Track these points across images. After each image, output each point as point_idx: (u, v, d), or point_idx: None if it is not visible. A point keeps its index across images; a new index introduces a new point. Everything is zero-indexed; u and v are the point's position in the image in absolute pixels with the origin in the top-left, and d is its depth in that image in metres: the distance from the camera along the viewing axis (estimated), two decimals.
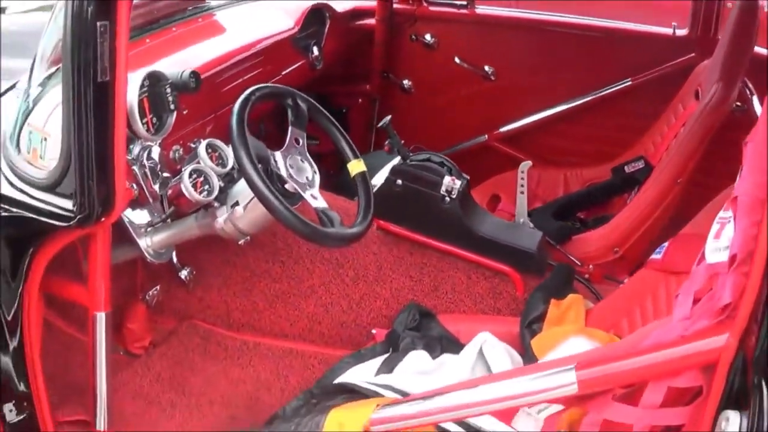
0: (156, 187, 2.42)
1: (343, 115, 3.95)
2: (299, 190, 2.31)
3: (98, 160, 1.89)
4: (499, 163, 3.51)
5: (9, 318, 2.13)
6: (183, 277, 2.89)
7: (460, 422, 2.07)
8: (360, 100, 3.95)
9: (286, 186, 2.30)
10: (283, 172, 2.30)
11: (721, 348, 1.52)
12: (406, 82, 3.86)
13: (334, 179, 3.00)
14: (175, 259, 2.76)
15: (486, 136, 3.76)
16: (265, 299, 3.00)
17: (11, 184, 2.07)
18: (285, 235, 2.95)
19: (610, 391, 1.74)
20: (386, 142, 2.91)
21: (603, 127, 3.53)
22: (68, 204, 1.95)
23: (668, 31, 3.34)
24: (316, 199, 2.33)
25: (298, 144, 2.40)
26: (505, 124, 3.72)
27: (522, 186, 2.93)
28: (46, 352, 2.26)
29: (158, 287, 2.91)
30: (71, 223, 1.96)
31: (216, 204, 2.43)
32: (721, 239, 1.66)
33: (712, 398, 1.54)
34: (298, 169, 2.35)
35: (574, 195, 3.42)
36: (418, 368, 2.39)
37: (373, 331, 2.73)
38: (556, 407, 1.87)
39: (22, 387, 2.23)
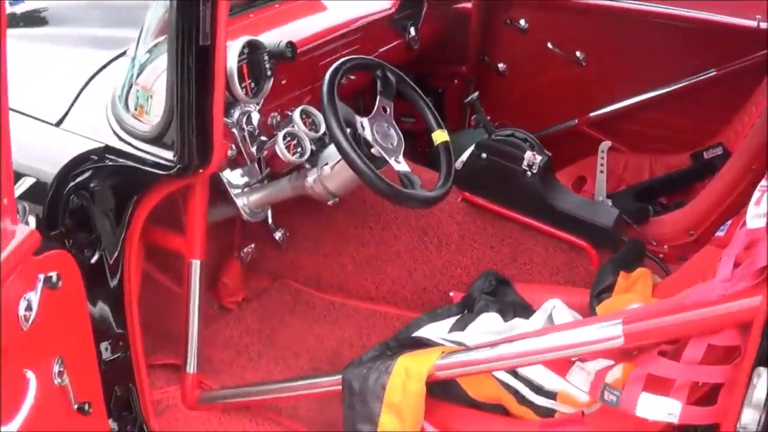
0: (253, 149, 2.60)
1: (439, 95, 4.07)
2: (384, 154, 2.46)
3: (198, 116, 2.09)
4: (587, 147, 3.58)
5: (111, 262, 2.31)
6: (277, 238, 3.05)
7: (515, 374, 2.22)
8: (456, 81, 4.06)
9: (372, 150, 2.45)
10: (369, 137, 2.45)
11: (756, 308, 1.63)
12: (501, 65, 3.96)
13: (427, 156, 3.13)
14: (270, 221, 2.94)
15: (576, 120, 3.82)
16: (353, 263, 3.17)
17: (119, 137, 2.26)
18: (374, 202, 3.11)
19: (656, 347, 1.86)
20: (472, 117, 3.06)
21: (688, 115, 3.57)
22: (169, 155, 2.15)
23: (752, 23, 3.38)
24: (399, 163, 2.47)
25: (385, 112, 2.55)
26: (595, 110, 3.79)
27: (602, 165, 3.04)
28: (142, 300, 2.44)
29: (253, 245, 3.09)
30: (171, 172, 2.15)
31: (307, 166, 2.60)
32: (761, 206, 1.77)
33: (748, 356, 1.63)
34: (384, 135, 2.50)
35: (656, 180, 3.49)
36: (489, 328, 2.53)
37: (451, 294, 2.88)
38: (607, 362, 1.99)
39: (118, 329, 2.41)
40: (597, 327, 1.89)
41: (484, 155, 2.97)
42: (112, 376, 2.36)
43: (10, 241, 1.65)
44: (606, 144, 3.07)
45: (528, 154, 2.90)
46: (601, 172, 3.03)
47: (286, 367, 2.85)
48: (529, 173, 2.90)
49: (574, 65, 3.75)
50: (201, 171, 2.21)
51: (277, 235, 3.05)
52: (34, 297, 1.69)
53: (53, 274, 1.77)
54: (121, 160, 2.24)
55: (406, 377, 2.14)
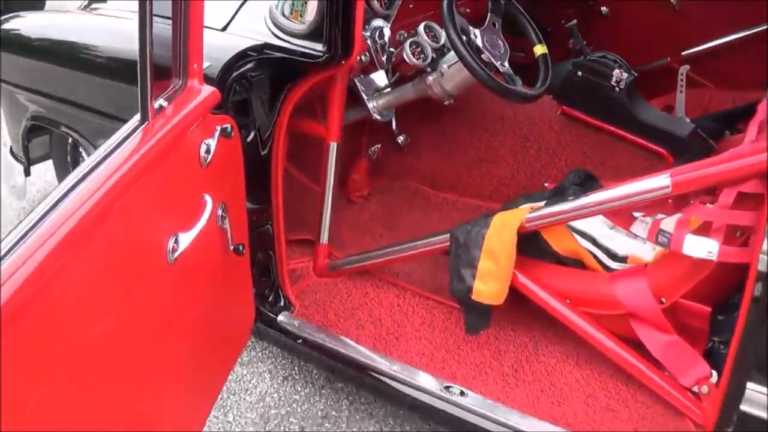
0: (383, 58, 3.13)
1: (547, 34, 4.47)
2: (492, 59, 2.95)
3: (344, 16, 2.64)
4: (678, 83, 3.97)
5: (262, 139, 2.79)
6: (400, 142, 3.58)
7: (594, 242, 2.72)
8: (563, 21, 4.46)
9: (482, 56, 2.96)
10: (480, 45, 2.95)
11: None
12: (604, 8, 4.33)
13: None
14: (394, 127, 3.48)
15: (668, 58, 4.20)
16: (465, 165, 3.67)
17: (276, 36, 2.80)
18: (485, 112, 3.62)
19: (698, 198, 2.34)
20: (570, 41, 3.55)
21: None
22: (319, 47, 2.69)
23: None
24: (504, 66, 2.98)
25: (495, 27, 3.04)
26: (686, 49, 4.16)
27: (681, 85, 3.48)
28: (283, 191, 2.93)
29: (379, 145, 3.61)
30: (321, 60, 2.69)
31: (428, 70, 3.12)
32: None
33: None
34: (492, 44, 2.99)
35: (737, 108, 3.84)
36: None
37: (546, 184, 3.36)
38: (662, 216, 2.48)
39: (264, 202, 2.89)
40: (651, 179, 2.37)
41: (579, 73, 3.47)
42: (255, 243, 2.76)
43: (197, 96, 2.20)
44: (685, 67, 3.50)
45: (616, 72, 3.37)
46: (681, 91, 3.47)
47: None
48: (617, 89, 3.38)
49: (669, 9, 4.09)
50: (343, 62, 2.75)
51: (400, 139, 3.58)
52: (212, 142, 2.22)
53: (228, 126, 2.30)
54: (278, 53, 2.76)
55: (502, 228, 2.66)
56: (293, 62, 2.74)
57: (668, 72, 4.06)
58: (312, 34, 2.71)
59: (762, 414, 2.08)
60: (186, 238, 2.06)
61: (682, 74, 3.47)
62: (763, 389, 2.06)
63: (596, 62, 3.44)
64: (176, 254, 2.02)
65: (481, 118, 3.66)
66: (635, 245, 2.74)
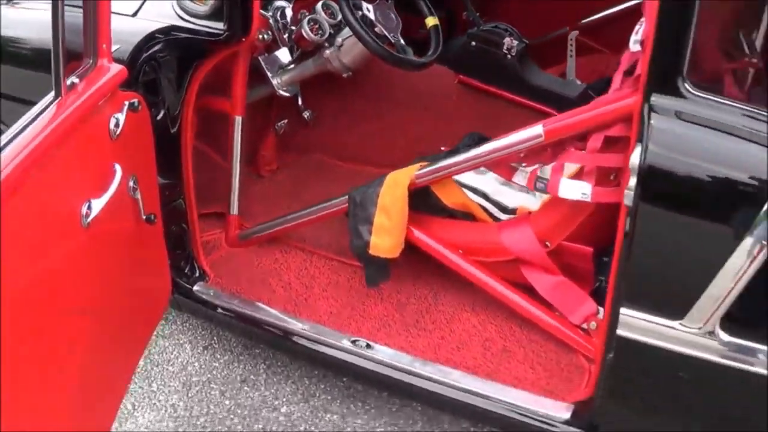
0: (285, 36, 3.26)
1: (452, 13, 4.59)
2: (385, 32, 3.09)
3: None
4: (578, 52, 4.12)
5: (171, 117, 2.91)
6: (306, 117, 3.74)
7: (486, 197, 2.88)
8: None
9: (375, 29, 3.08)
10: (373, 18, 3.08)
11: (634, 104, 2.20)
12: None
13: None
14: (300, 102, 3.63)
15: (567, 28, 4.30)
16: (368, 135, 3.81)
17: (182, 18, 2.91)
18: (385, 85, 3.78)
19: (570, 145, 2.49)
20: (464, 13, 3.71)
21: None
22: (221, 25, 2.82)
23: None
24: (396, 38, 3.13)
25: (387, 1, 3.16)
26: (583, 19, 4.18)
27: (571, 51, 3.66)
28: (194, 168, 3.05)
29: (286, 121, 3.74)
30: (222, 38, 2.83)
31: (326, 45, 3.25)
32: (638, 34, 2.40)
33: (632, 143, 2.15)
34: (385, 18, 3.12)
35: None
36: None
37: (442, 148, 3.50)
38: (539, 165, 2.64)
39: (175, 178, 3.01)
40: (526, 130, 2.54)
41: (473, 43, 3.63)
42: (169, 217, 2.88)
43: (106, 73, 2.33)
44: (574, 33, 3.69)
45: (507, 40, 3.54)
46: (571, 56, 3.66)
47: None
48: (508, 56, 3.55)
49: None
50: (243, 39, 2.88)
51: (306, 114, 3.73)
52: (121, 116, 2.35)
53: (135, 101, 2.43)
54: (183, 34, 2.87)
55: (394, 185, 2.81)
56: (198, 42, 2.87)
57: (565, 42, 4.23)
58: (214, 15, 2.83)
59: (636, 336, 2.23)
60: (98, 204, 2.18)
61: (571, 40, 3.64)
62: (634, 313, 2.21)
63: (488, 32, 3.61)
64: (89, 219, 2.14)
65: (383, 91, 3.81)
66: (525, 198, 2.92)
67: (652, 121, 2.06)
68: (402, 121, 3.79)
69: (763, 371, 2.13)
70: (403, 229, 2.82)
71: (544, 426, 2.61)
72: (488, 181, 3.00)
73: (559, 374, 2.71)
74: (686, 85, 2.04)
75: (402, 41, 3.11)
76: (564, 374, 2.71)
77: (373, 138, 3.81)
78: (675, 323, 2.17)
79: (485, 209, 2.92)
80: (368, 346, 2.85)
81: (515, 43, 3.54)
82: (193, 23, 2.88)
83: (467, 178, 3.02)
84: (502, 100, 3.64)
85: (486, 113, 3.63)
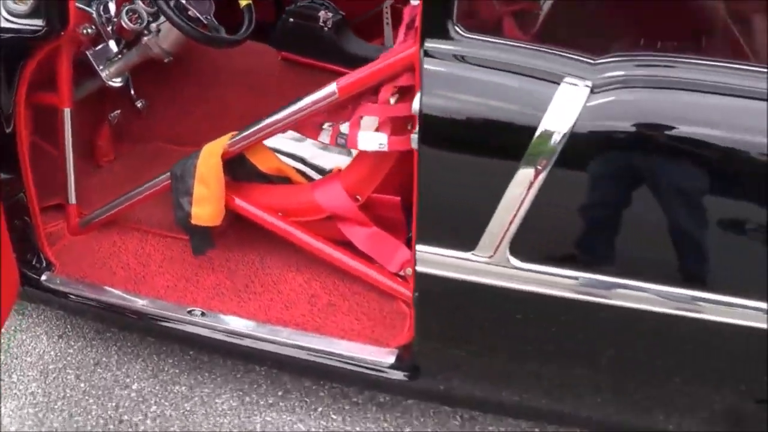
0: (109, 29, 3.32)
1: None
2: (198, 14, 3.18)
3: None
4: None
5: (5, 116, 2.98)
6: (139, 106, 3.84)
7: (304, 162, 2.99)
8: None
9: (189, 13, 3.18)
10: (185, 2, 3.18)
11: (413, 53, 2.35)
12: None
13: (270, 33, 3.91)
14: (132, 92, 3.72)
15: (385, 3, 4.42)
16: (199, 119, 3.91)
17: (7, 19, 2.95)
18: (211, 69, 3.88)
19: (362, 98, 2.61)
20: None
21: None
22: (40, 22, 2.89)
23: None
24: (209, 19, 3.22)
25: None
26: None
27: (387, 19, 3.80)
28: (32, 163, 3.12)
29: (119, 111, 3.81)
30: (41, 34, 2.90)
31: (146, 32, 3.34)
32: None
33: (417, 88, 2.27)
34: (197, 1, 3.24)
35: None
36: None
37: None
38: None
39: (14, 173, 3.08)
40: (322, 90, 2.67)
41: (291, 20, 3.75)
42: (12, 211, 2.98)
43: None
44: (389, 2, 3.82)
45: (322, 13, 3.67)
46: (387, 24, 3.79)
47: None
48: (325, 28, 3.67)
49: None
50: (62, 33, 2.95)
51: (139, 104, 3.83)
52: None
53: None
54: (6, 34, 2.93)
55: (209, 155, 2.91)
56: (21, 40, 2.93)
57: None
58: (34, 13, 2.90)
59: (433, 271, 2.37)
60: None
61: (386, 8, 3.77)
62: (429, 249, 2.35)
63: (304, 7, 3.73)
64: None
65: (209, 75, 3.91)
66: (344, 160, 3.03)
67: (425, 66, 2.18)
68: (229, 101, 3.89)
69: (555, 293, 2.29)
70: (222, 196, 2.92)
71: (373, 373, 2.75)
72: (306, 147, 3.12)
73: (383, 322, 2.85)
74: (457, 28, 2.17)
75: (216, 22, 3.21)
76: (387, 321, 2.85)
77: (204, 120, 3.89)
78: (468, 254, 2.30)
79: (304, 173, 3.04)
80: (203, 314, 2.96)
81: (330, 15, 3.66)
82: (16, 23, 2.94)
83: (285, 145, 3.14)
84: (325, 72, 3.73)
85: (308, 85, 3.67)
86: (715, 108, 2.08)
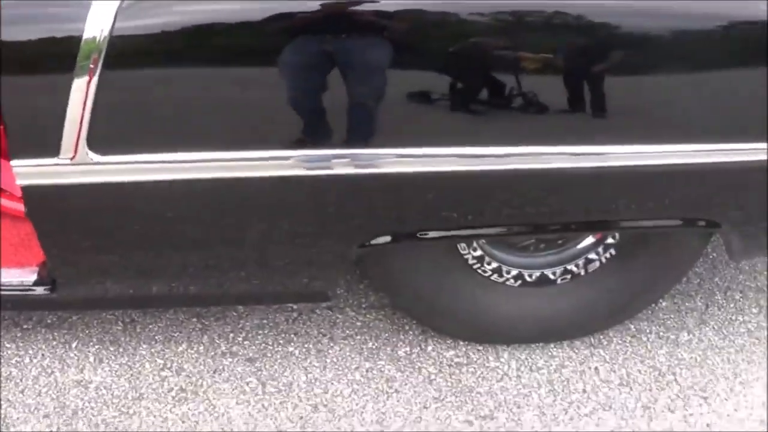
0: None
1: None
2: None
3: None
4: None
5: None
6: None
7: None
8: None
9: None
10: None
11: None
12: None
13: None
14: None
15: None
16: None
17: None
18: None
19: None
20: None
21: None
22: None
23: None
24: None
25: None
26: None
27: None
28: None
29: None
30: None
31: None
32: None
33: None
34: None
35: None
36: None
37: None
38: None
39: None
40: None
41: None
42: None
43: None
44: None
45: None
46: None
47: None
48: None
49: None
50: None
51: None
52: None
53: None
54: None
55: None
56: None
57: None
58: None
59: (32, 182, 2.47)
60: None
61: None
62: (23, 161, 2.44)
63: None
64: None
65: None
66: None
67: None
68: None
69: (139, 179, 2.46)
70: None
71: (21, 293, 2.87)
72: None
73: (23, 244, 2.99)
74: None
75: None
76: (26, 243, 2.98)
77: None
78: (55, 160, 2.40)
79: None
80: None
81: None
82: None
83: None
84: None
85: None
86: None
